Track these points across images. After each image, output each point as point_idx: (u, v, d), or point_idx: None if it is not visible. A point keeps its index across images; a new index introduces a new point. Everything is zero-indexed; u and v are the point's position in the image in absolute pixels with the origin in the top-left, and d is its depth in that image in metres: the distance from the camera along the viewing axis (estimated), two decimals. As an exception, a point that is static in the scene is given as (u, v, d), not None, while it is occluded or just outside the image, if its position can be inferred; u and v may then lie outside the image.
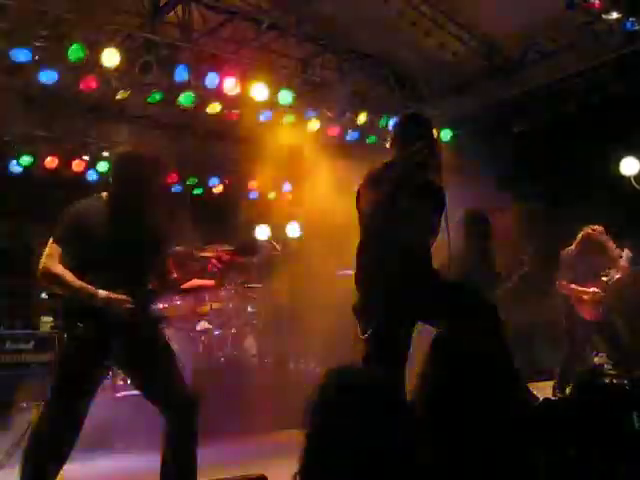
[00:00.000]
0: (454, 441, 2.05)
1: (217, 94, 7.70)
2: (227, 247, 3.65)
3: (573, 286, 6.46)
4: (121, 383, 6.48)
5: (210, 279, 3.68)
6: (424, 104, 9.42)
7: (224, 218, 9.29)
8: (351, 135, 9.06)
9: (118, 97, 7.44)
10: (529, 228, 6.97)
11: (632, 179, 7.88)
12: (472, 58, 8.75)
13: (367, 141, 9.18)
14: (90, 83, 7.05)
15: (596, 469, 2.37)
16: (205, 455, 3.57)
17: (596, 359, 6.91)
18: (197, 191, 10.35)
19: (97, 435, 5.79)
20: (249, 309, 8.48)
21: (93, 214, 3.34)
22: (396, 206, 3.56)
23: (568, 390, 5.84)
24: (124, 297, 3.22)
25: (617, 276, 6.36)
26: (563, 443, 2.42)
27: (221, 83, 7.47)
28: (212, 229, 8.34)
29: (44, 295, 7.65)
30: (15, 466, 3.17)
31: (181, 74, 7.19)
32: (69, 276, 3.19)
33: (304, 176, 8.19)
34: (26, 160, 8.72)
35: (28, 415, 5.01)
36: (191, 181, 10.20)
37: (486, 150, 8.15)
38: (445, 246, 3.96)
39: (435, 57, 8.72)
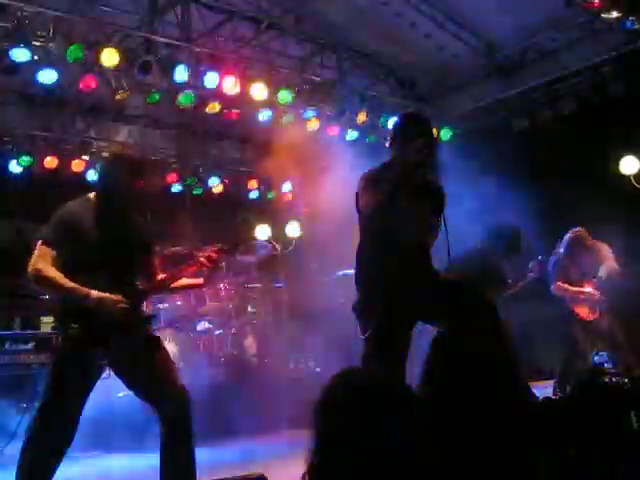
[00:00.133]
0: (454, 441, 2.05)
1: (216, 94, 7.70)
2: (219, 246, 3.62)
3: (569, 287, 6.52)
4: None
5: (199, 277, 3.67)
6: (424, 103, 9.43)
7: (224, 218, 9.28)
8: (351, 135, 9.06)
9: (117, 97, 7.44)
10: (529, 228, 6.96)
11: (632, 178, 7.88)
12: (472, 57, 8.75)
13: (367, 140, 9.18)
14: (90, 83, 7.05)
15: (596, 469, 2.36)
16: (205, 455, 3.57)
17: (596, 358, 6.92)
18: (197, 191, 10.33)
19: (97, 435, 5.81)
20: (249, 309, 8.49)
21: (82, 215, 3.35)
22: (395, 206, 3.56)
23: (568, 389, 5.85)
24: (117, 297, 3.22)
25: (606, 275, 6.42)
26: (563, 443, 2.41)
27: (220, 83, 7.46)
28: (212, 229, 8.33)
29: (44, 295, 7.65)
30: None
31: (180, 74, 7.18)
32: (61, 277, 3.19)
33: (304, 176, 8.18)
34: (26, 160, 8.71)
35: (28, 416, 5.00)
36: (191, 181, 10.19)
37: (486, 150, 8.14)
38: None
39: (435, 56, 8.72)
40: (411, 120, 4.00)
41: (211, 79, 7.40)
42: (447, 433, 2.07)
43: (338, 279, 7.63)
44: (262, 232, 8.81)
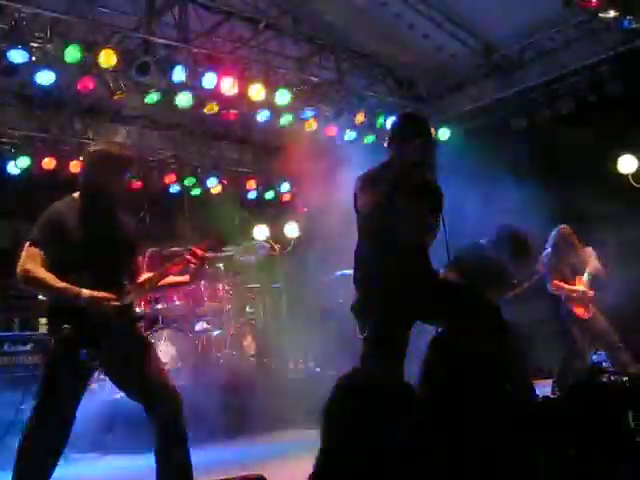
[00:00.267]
0: (454, 441, 2.05)
1: (214, 94, 7.69)
2: (204, 242, 3.59)
3: (565, 285, 6.54)
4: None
5: (185, 274, 3.65)
6: (422, 103, 9.44)
7: (223, 218, 9.27)
8: (349, 135, 9.06)
9: (115, 98, 7.43)
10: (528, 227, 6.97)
11: (630, 177, 7.88)
12: (470, 57, 8.76)
13: (365, 141, 9.18)
14: (87, 84, 7.04)
15: (596, 469, 2.36)
16: (204, 455, 3.57)
17: (595, 357, 6.93)
18: (195, 191, 10.34)
19: (97, 435, 5.81)
20: (248, 309, 8.48)
21: (67, 215, 3.32)
22: (394, 206, 3.55)
23: (567, 389, 5.85)
24: (109, 295, 3.21)
25: (592, 274, 6.47)
26: (563, 443, 2.41)
27: (218, 83, 7.45)
28: (211, 229, 8.33)
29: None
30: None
31: (178, 74, 7.18)
32: (51, 278, 3.17)
33: (302, 176, 8.18)
34: (24, 161, 8.70)
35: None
36: (189, 181, 10.19)
37: (484, 149, 8.15)
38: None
39: (433, 56, 8.73)
40: (409, 120, 4.00)
41: (209, 80, 7.40)
42: (446, 433, 2.07)
43: (337, 279, 7.63)
44: (260, 232, 8.82)
